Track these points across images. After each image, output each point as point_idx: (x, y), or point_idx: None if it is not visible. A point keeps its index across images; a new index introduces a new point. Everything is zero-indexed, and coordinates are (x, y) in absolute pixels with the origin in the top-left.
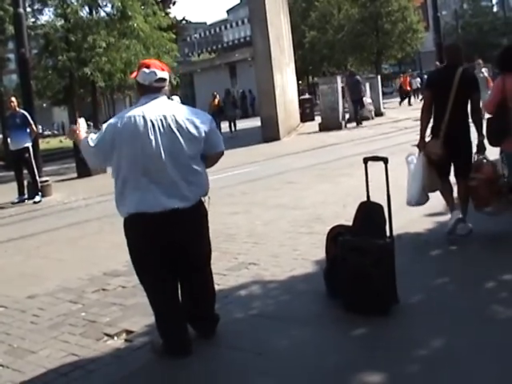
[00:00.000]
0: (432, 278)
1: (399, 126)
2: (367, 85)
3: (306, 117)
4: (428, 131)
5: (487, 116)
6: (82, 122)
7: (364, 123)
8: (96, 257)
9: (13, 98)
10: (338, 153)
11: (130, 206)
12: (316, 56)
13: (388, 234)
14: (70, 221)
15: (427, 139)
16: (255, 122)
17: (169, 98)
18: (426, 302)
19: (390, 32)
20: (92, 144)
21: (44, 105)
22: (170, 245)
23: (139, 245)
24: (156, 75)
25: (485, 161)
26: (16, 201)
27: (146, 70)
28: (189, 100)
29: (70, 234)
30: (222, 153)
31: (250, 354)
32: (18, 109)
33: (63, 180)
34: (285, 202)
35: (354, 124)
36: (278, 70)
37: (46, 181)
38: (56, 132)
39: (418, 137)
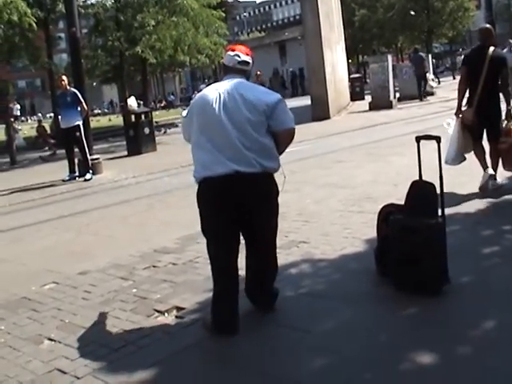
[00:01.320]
0: (484, 259)
1: (450, 105)
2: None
3: (356, 96)
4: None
5: None
6: (132, 100)
7: (423, 100)
8: (146, 234)
9: (63, 77)
10: (388, 132)
11: (198, 171)
12: (366, 34)
13: (440, 213)
14: (120, 198)
15: (463, 108)
16: (305, 101)
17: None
18: (478, 283)
19: (441, 10)
20: (183, 114)
21: (94, 84)
22: (236, 210)
23: (207, 210)
24: (239, 57)
25: None
26: (67, 178)
27: (231, 53)
28: None
29: (120, 212)
30: (293, 131)
31: (299, 333)
32: (68, 87)
33: (113, 158)
34: (335, 180)
35: (418, 99)
36: (328, 48)
37: (97, 159)
38: (106, 110)
39: (456, 107)
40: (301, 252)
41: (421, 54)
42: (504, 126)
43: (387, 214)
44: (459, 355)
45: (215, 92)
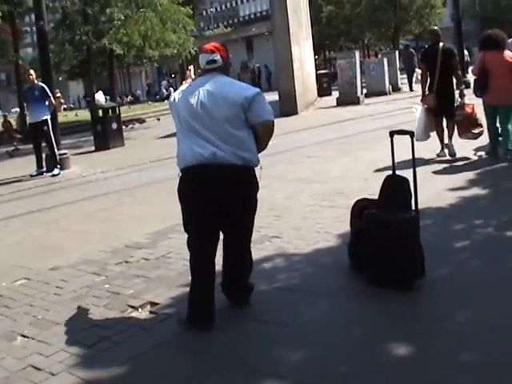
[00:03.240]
0: (456, 253)
1: (417, 101)
2: (385, 60)
3: (323, 91)
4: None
5: (474, 77)
6: (100, 94)
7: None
8: (117, 229)
9: (31, 71)
10: (356, 127)
11: (180, 161)
12: (333, 31)
13: (413, 207)
14: (89, 193)
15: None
16: (272, 97)
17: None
18: (451, 277)
19: (408, 7)
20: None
21: (60, 78)
22: (217, 202)
23: (188, 202)
24: (204, 59)
25: (466, 101)
26: (34, 174)
27: (200, 55)
28: None
29: (89, 207)
30: (271, 124)
31: (276, 327)
32: (36, 81)
33: (81, 153)
34: (305, 175)
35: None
36: (296, 44)
37: (65, 154)
38: (72, 106)
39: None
40: (273, 247)
41: (411, 50)
42: (458, 102)
43: (361, 209)
44: (434, 348)
45: (195, 88)
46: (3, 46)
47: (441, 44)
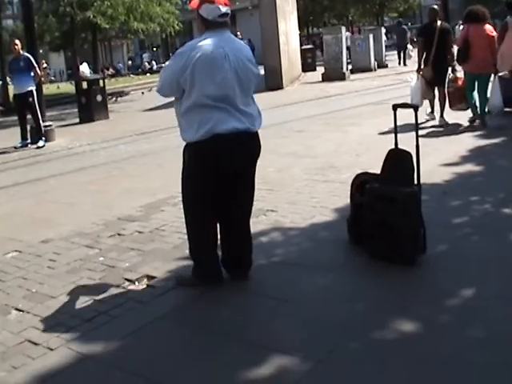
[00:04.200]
0: (455, 229)
1: (402, 78)
2: (371, 36)
3: (307, 67)
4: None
5: (457, 48)
6: (85, 66)
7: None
8: (108, 202)
9: (17, 41)
10: (343, 103)
11: (210, 124)
12: (317, 6)
13: (415, 182)
14: (77, 166)
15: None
16: None
17: (233, 33)
18: (451, 253)
19: None
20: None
21: (41, 51)
22: (236, 168)
23: (206, 168)
24: (220, 10)
25: (458, 75)
26: (19, 145)
27: (210, 6)
28: None
29: (77, 179)
30: None
31: (277, 301)
32: (21, 52)
33: (65, 125)
34: (295, 150)
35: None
36: (283, 18)
37: (49, 125)
38: (53, 78)
39: (416, 66)
40: (269, 220)
41: (404, 27)
42: (450, 76)
43: (362, 183)
44: (440, 324)
45: (221, 50)
46: None
47: (438, 22)
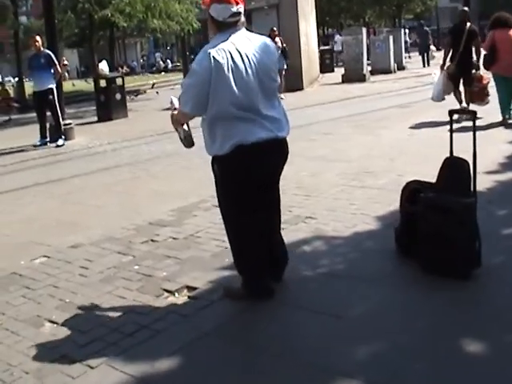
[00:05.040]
0: (506, 240)
1: (423, 80)
2: (391, 37)
3: (325, 68)
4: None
5: (484, 52)
6: (104, 64)
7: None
8: (136, 205)
9: (37, 37)
10: (368, 105)
11: (235, 138)
12: (334, 7)
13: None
14: (99, 166)
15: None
16: None
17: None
18: (507, 264)
19: None
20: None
21: None
22: (266, 177)
23: (241, 178)
24: (230, 10)
25: (482, 74)
26: (38, 144)
27: (219, 5)
28: (202, 47)
29: (102, 180)
30: None
31: (330, 318)
32: (42, 48)
33: (83, 124)
34: (325, 153)
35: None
36: (303, 18)
37: (69, 124)
38: (67, 76)
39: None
40: (310, 228)
41: (426, 28)
42: (476, 74)
43: (413, 191)
44: (507, 343)
45: (237, 53)
46: (3, 12)
47: (468, 24)
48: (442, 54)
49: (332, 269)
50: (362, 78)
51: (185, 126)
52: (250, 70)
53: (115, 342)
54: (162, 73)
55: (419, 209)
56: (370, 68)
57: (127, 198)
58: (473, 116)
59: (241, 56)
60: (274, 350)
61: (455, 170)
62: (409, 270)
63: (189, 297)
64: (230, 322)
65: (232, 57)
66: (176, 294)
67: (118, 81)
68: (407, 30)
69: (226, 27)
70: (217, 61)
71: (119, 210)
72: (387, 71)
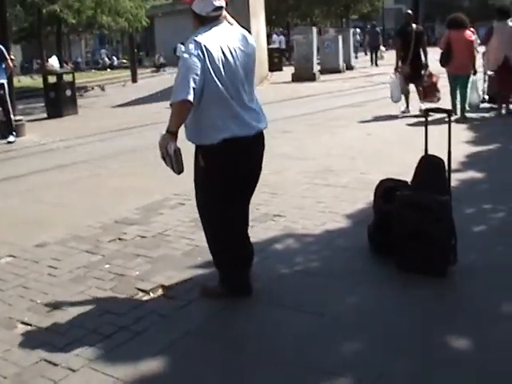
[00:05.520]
0: (478, 237)
1: (373, 80)
2: (340, 37)
3: (274, 66)
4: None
5: (440, 51)
6: (54, 59)
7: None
8: (100, 203)
9: None
10: (321, 104)
11: (226, 130)
12: (282, 6)
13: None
14: (55, 163)
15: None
16: None
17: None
18: (480, 262)
19: None
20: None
21: None
22: (251, 170)
23: (229, 171)
24: (213, 5)
25: (432, 73)
26: None
27: (201, 2)
28: (147, 45)
29: (60, 177)
30: None
31: (310, 315)
32: None
33: (33, 120)
34: (286, 151)
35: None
36: (254, 16)
37: (20, 120)
38: (17, 70)
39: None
40: (279, 226)
41: (377, 29)
42: (426, 72)
43: (387, 190)
44: (488, 340)
45: (224, 44)
46: None
47: (413, 25)
48: (390, 54)
49: (307, 266)
50: (312, 77)
51: (174, 146)
52: (237, 62)
53: (94, 343)
54: (108, 69)
55: (395, 207)
56: (319, 67)
57: (89, 195)
58: (448, 114)
59: (228, 48)
60: (255, 348)
61: (431, 168)
62: (383, 267)
63: (165, 296)
64: (209, 321)
65: (221, 48)
66: (151, 294)
67: (68, 77)
68: (358, 30)
69: (209, 21)
70: (209, 50)
71: (82, 207)
72: (336, 70)
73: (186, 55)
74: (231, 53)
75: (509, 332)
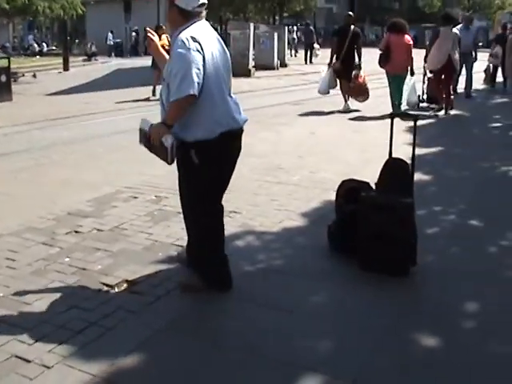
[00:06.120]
0: (432, 240)
1: (308, 78)
2: (275, 34)
3: None
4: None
5: (380, 52)
6: None
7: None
8: (48, 194)
9: None
10: (259, 101)
11: (224, 123)
12: (215, 0)
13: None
14: None
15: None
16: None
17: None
18: (438, 262)
19: None
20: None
21: None
22: (235, 164)
23: (224, 165)
24: (198, 0)
25: (360, 74)
26: None
27: None
28: (78, 33)
29: (3, 166)
30: None
31: (281, 312)
32: None
33: None
34: None
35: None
36: None
37: None
38: None
39: (329, 60)
40: (237, 223)
41: (311, 27)
42: (355, 73)
43: (349, 190)
44: (458, 338)
45: (211, 40)
46: None
47: (352, 26)
48: (323, 52)
49: (270, 264)
50: (247, 73)
51: (170, 139)
52: (220, 57)
53: (66, 339)
54: (37, 56)
55: (360, 207)
56: (253, 63)
57: (36, 186)
58: (414, 120)
59: (213, 43)
60: (232, 345)
61: (395, 171)
62: (345, 266)
63: (131, 291)
64: (182, 317)
65: (211, 43)
66: (116, 289)
67: (3, 62)
68: (295, 28)
69: (192, 17)
70: (205, 46)
71: (31, 198)
72: (270, 67)
73: (183, 50)
74: (217, 48)
75: (471, 334)
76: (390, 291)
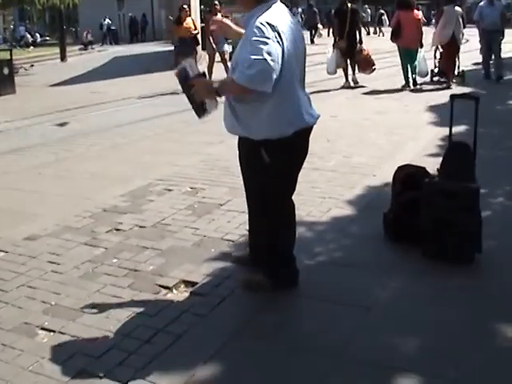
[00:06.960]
0: (487, 225)
1: (313, 60)
2: None
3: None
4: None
5: (391, 28)
6: None
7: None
8: (79, 189)
9: None
10: None
11: (299, 120)
12: None
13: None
14: (9, 146)
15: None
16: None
17: None
18: (500, 249)
19: None
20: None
21: None
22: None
23: (298, 161)
24: None
25: (363, 47)
26: None
27: None
28: (70, 21)
29: (23, 162)
30: None
31: (359, 309)
32: None
33: None
34: None
35: None
36: None
37: None
38: None
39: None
40: None
41: (314, 9)
42: (358, 47)
43: (407, 176)
44: None
45: (289, 24)
46: None
47: (349, 4)
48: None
49: (330, 256)
50: None
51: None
52: (301, 51)
53: (135, 350)
54: (31, 47)
55: (424, 194)
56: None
57: (64, 181)
58: (476, 101)
59: (292, 30)
60: (316, 347)
61: (459, 156)
62: (407, 256)
63: (191, 293)
64: (254, 319)
65: (291, 34)
66: (174, 291)
67: (5, 54)
68: (300, 9)
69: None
70: (284, 34)
71: (61, 195)
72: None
73: (261, 39)
74: (296, 38)
75: None
76: (459, 280)
